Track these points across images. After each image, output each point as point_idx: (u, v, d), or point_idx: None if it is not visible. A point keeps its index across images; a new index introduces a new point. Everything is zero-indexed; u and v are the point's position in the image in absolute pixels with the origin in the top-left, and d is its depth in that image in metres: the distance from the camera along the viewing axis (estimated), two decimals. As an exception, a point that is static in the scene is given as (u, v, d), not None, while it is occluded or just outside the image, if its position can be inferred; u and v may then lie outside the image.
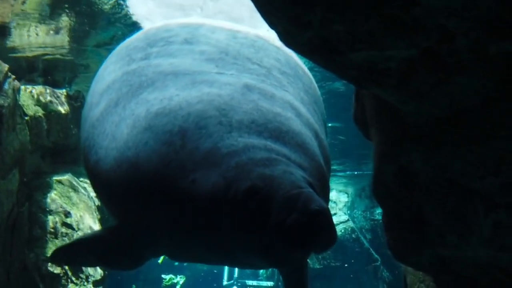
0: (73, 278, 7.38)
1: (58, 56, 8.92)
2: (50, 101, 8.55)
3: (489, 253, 2.77)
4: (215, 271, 21.95)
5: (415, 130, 2.67)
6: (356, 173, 18.95)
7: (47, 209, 7.78)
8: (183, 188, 2.81)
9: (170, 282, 18.58)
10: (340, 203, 22.21)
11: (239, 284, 20.97)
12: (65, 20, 7.61)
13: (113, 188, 3.13)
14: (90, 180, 3.69)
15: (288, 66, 3.68)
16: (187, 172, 2.82)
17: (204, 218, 2.83)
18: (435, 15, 2.17)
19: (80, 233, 7.55)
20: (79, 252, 3.54)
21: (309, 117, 3.44)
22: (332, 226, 2.68)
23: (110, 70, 3.60)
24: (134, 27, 7.73)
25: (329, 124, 12.76)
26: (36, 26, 7.76)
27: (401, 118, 2.69)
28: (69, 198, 7.97)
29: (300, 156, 2.99)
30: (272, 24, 2.46)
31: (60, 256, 3.76)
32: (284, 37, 2.50)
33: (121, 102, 3.23)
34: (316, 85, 4.09)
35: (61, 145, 8.79)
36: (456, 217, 2.68)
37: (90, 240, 3.59)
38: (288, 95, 3.36)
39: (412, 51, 2.35)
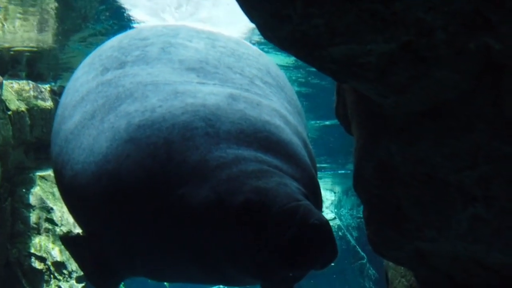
0: (56, 274, 7.35)
1: (41, 49, 8.87)
2: (34, 96, 8.51)
3: (466, 247, 2.79)
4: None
5: (394, 124, 2.68)
6: (343, 172, 18.99)
7: (30, 205, 7.73)
8: (170, 203, 2.71)
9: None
10: (327, 201, 22.29)
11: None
12: (47, 11, 7.56)
13: (91, 205, 3.00)
14: (65, 196, 3.49)
15: (270, 76, 3.56)
16: (174, 186, 2.71)
17: (193, 235, 2.71)
18: (414, 9, 2.18)
19: (63, 229, 7.52)
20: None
21: (296, 125, 3.36)
22: (333, 240, 2.56)
23: (83, 81, 3.44)
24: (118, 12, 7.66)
25: (327, 122, 12.82)
26: (18, 19, 7.71)
27: (381, 112, 2.70)
28: (52, 193, 7.92)
29: (291, 167, 2.90)
30: (252, 18, 2.47)
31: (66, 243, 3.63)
32: (264, 31, 2.50)
33: (98, 114, 3.09)
34: (296, 95, 4.00)
35: (45, 140, 8.73)
36: (434, 211, 2.70)
37: (73, 241, 3.47)
38: (274, 103, 3.25)
39: (392, 45, 2.36)
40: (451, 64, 2.38)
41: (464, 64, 2.39)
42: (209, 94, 3.03)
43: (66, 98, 3.52)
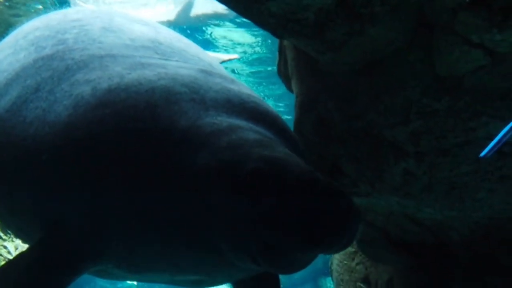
0: (1, 234, 7.27)
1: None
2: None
3: (399, 201, 2.88)
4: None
5: (332, 80, 2.72)
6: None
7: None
8: (160, 173, 2.41)
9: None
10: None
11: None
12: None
13: (52, 183, 2.59)
14: (5, 188, 2.85)
15: (222, 69, 3.37)
16: (163, 154, 2.42)
17: (188, 207, 2.40)
18: (351, -35, 2.21)
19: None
20: None
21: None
22: (360, 216, 2.26)
23: (11, 61, 3.02)
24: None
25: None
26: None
27: (319, 69, 2.74)
28: None
29: (283, 141, 2.64)
30: (191, -31, 2.45)
31: None
32: (203, -17, 2.49)
33: (44, 87, 2.73)
34: None
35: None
36: (368, 167, 2.77)
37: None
38: (244, 85, 2.94)
39: (328, 1, 2.39)
40: (386, 21, 2.42)
41: (398, 22, 2.43)
42: (178, 67, 2.75)
43: None
